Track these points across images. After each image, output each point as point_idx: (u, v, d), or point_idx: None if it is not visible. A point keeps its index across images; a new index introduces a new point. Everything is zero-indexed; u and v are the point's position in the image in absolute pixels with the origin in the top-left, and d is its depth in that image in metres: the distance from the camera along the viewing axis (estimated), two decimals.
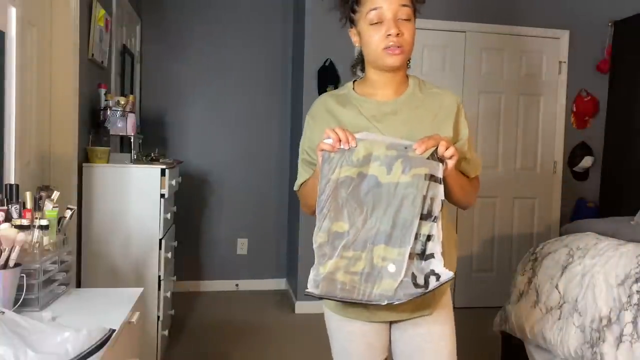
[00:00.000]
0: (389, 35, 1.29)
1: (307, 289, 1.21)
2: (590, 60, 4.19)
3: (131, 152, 2.85)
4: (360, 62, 1.47)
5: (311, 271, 1.23)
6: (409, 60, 1.41)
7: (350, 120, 1.36)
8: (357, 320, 1.42)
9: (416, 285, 1.19)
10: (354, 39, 1.41)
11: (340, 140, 1.22)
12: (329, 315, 1.50)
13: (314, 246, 1.23)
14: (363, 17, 1.33)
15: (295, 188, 1.52)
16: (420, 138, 1.23)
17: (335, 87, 3.81)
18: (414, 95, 1.40)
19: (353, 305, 1.35)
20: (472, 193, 1.44)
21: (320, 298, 1.23)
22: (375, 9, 1.30)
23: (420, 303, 1.34)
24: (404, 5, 1.31)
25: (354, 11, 1.36)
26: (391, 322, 1.45)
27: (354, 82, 1.47)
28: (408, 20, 1.32)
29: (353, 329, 1.43)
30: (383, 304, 1.19)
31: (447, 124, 1.37)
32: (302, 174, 1.47)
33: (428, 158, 1.21)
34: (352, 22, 1.39)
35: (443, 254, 1.22)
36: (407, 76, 1.44)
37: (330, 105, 1.42)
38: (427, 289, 1.19)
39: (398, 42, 1.30)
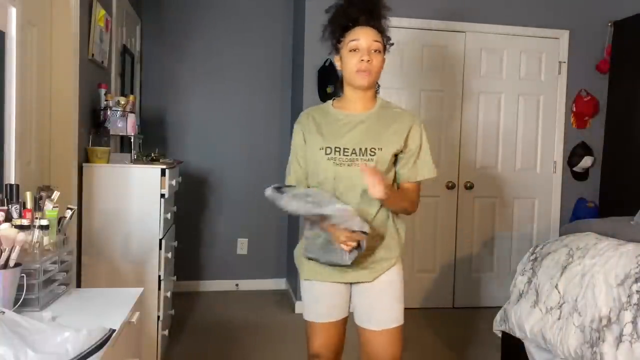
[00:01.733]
0: (362, 60, 1.70)
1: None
2: (590, 60, 4.19)
3: (131, 152, 2.85)
4: (341, 84, 1.84)
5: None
6: (378, 86, 1.84)
7: (326, 126, 1.79)
8: (323, 282, 1.83)
9: None
10: (338, 64, 1.81)
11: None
12: (303, 285, 1.91)
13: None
14: (345, 45, 1.75)
15: (287, 183, 1.92)
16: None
17: (335, 87, 3.82)
18: (378, 112, 1.81)
19: (321, 269, 1.81)
20: (403, 203, 1.80)
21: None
22: (354, 40, 1.73)
23: (374, 269, 1.80)
24: (376, 41, 1.73)
25: (339, 42, 1.78)
26: (352, 284, 1.85)
27: (333, 99, 1.88)
28: (378, 52, 1.73)
29: (320, 288, 1.84)
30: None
31: (399, 137, 1.77)
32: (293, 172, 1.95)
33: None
34: (337, 51, 1.80)
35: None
36: (375, 97, 1.83)
37: (314, 115, 1.85)
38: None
39: (367, 67, 1.71)
